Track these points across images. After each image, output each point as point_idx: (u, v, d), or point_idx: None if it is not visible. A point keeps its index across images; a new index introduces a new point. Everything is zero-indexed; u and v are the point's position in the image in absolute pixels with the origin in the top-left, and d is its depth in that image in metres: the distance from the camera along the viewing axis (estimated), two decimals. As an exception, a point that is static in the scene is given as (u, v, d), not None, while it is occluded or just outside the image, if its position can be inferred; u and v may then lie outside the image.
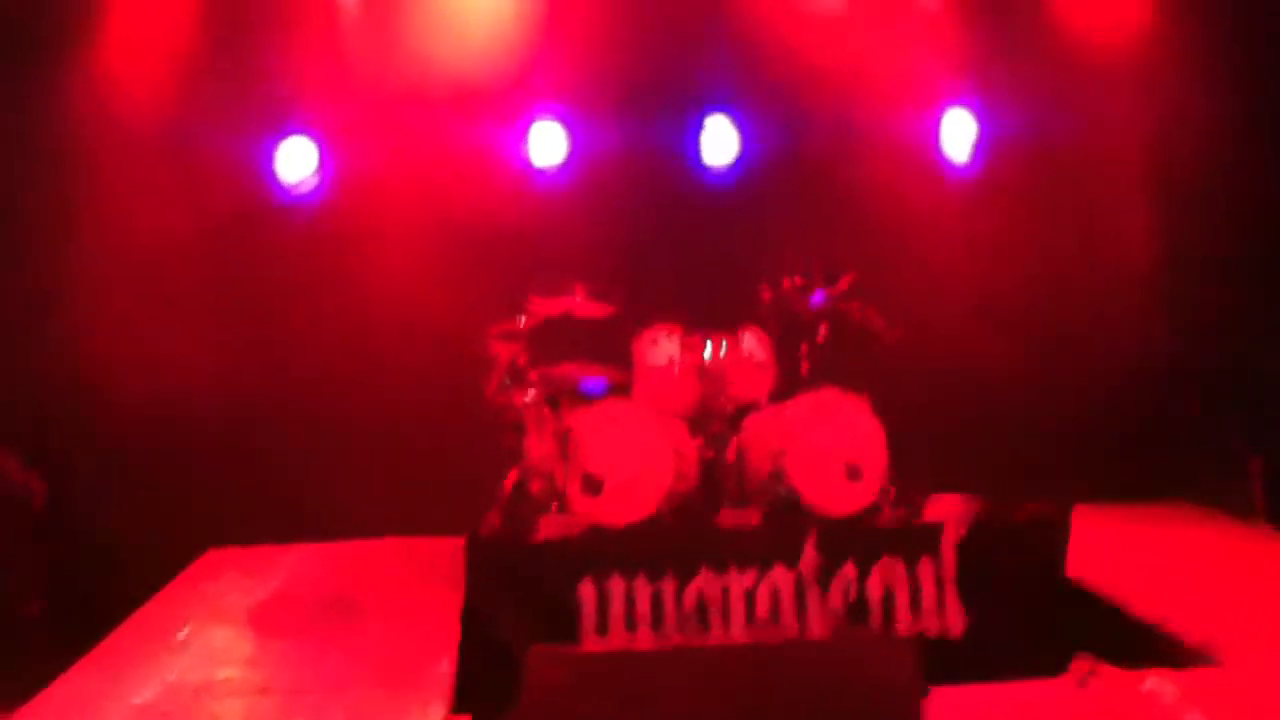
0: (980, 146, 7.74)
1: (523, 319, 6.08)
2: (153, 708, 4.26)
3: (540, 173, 7.53)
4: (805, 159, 7.56)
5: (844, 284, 6.21)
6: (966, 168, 7.80)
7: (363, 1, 7.42)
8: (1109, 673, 3.32)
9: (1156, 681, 3.27)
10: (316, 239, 7.35)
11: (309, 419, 7.05)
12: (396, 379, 7.10)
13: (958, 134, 7.75)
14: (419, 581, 5.72)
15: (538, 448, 5.92)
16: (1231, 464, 7.14)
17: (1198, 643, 4.43)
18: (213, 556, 6.17)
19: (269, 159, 7.37)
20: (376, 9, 7.42)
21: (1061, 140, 7.59)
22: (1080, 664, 3.35)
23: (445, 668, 4.53)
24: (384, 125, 7.41)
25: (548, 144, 7.50)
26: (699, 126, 7.59)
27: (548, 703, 2.59)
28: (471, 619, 5.07)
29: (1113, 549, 5.77)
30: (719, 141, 7.60)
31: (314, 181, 7.44)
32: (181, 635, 5.00)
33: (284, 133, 7.36)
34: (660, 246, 7.31)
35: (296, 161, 7.40)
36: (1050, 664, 4.03)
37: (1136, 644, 4.76)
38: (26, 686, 4.39)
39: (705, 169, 7.64)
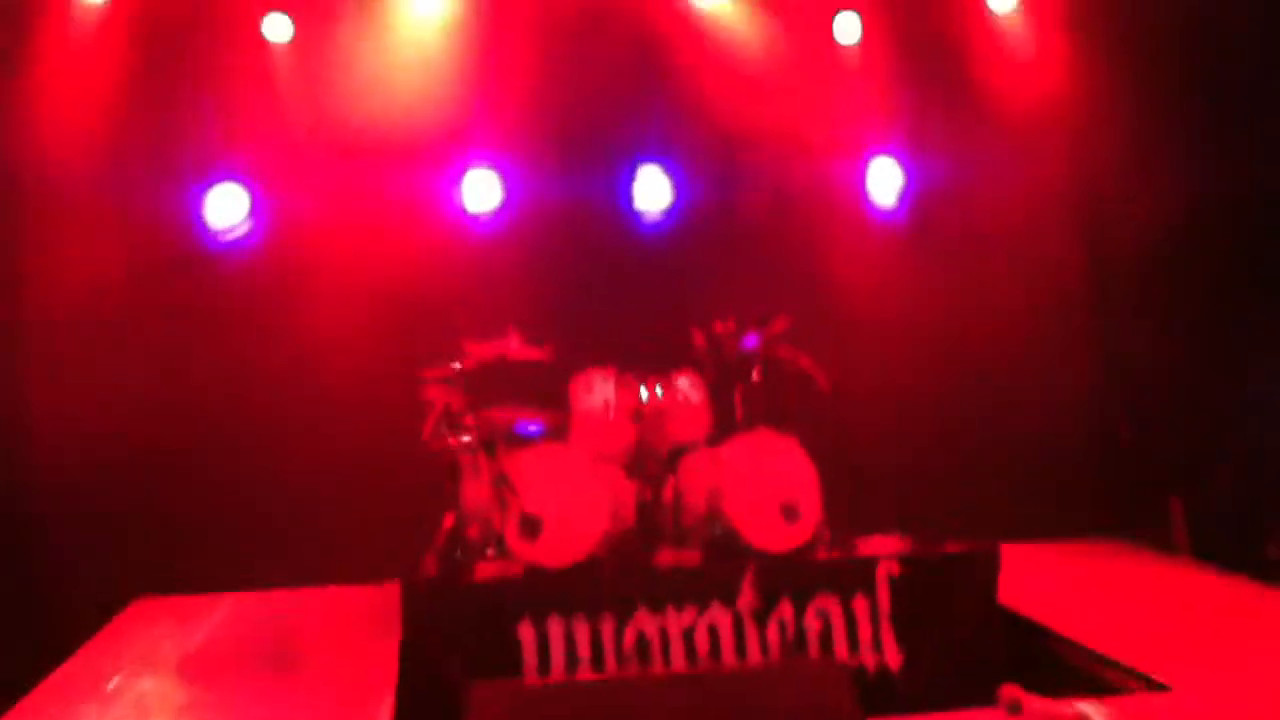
0: (906, 194, 7.97)
1: (458, 364, 6.09)
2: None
3: (475, 219, 7.59)
4: (736, 207, 7.74)
5: (776, 327, 6.33)
6: (893, 214, 8.03)
7: (296, 49, 7.45)
8: (1036, 701, 3.40)
9: (1085, 707, 3.36)
10: (249, 285, 7.31)
11: (242, 466, 6.96)
12: (331, 425, 7.05)
13: (884, 182, 7.98)
14: (355, 629, 5.66)
15: (474, 492, 5.90)
16: (1155, 502, 7.36)
17: (1127, 670, 4.58)
18: (142, 605, 6.03)
19: (200, 205, 7.34)
20: (310, 56, 7.45)
21: (986, 186, 7.86)
22: (1008, 691, 3.43)
23: (385, 713, 4.48)
24: (317, 171, 7.42)
25: (482, 191, 7.57)
26: (632, 175, 7.73)
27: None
28: (410, 662, 5.03)
29: (1042, 583, 5.91)
30: (652, 190, 7.75)
31: (246, 227, 7.41)
32: (111, 685, 4.88)
33: (215, 179, 7.35)
34: (595, 292, 7.38)
35: (227, 207, 7.38)
36: (985, 694, 4.12)
37: (1068, 673, 4.91)
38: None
39: (638, 217, 7.77)
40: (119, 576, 6.35)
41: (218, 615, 5.91)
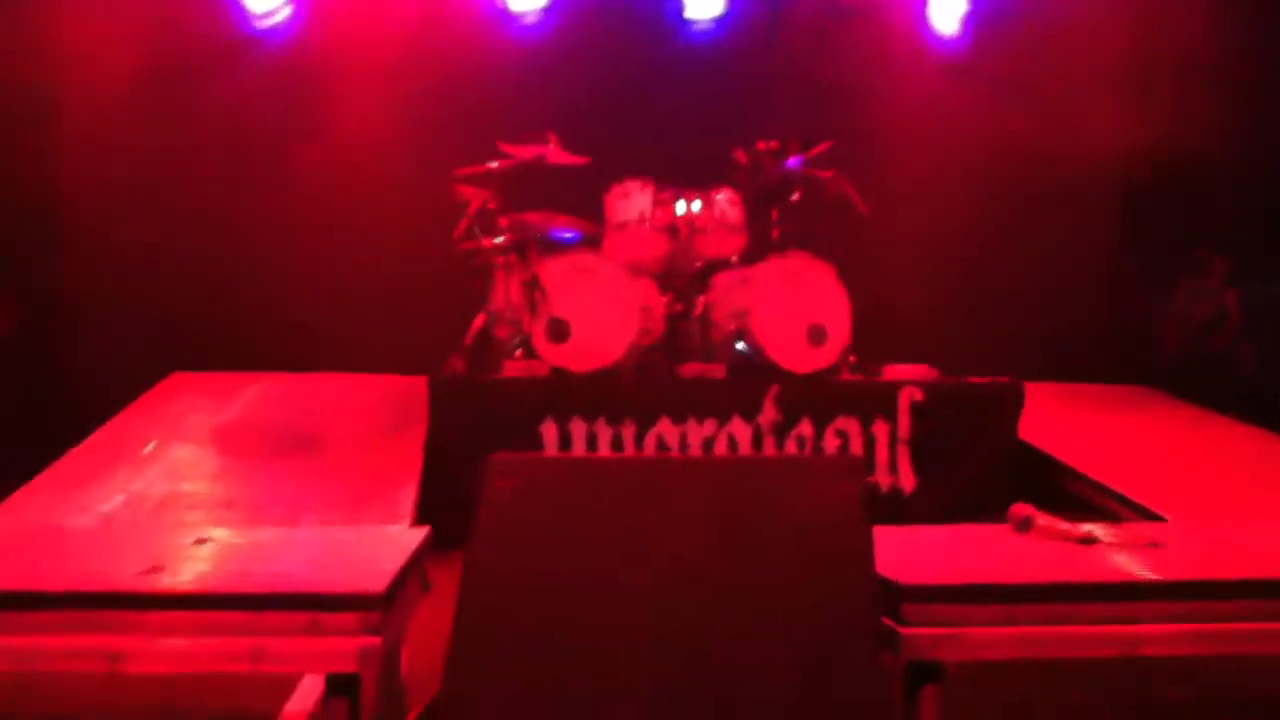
0: (970, 21, 7.67)
1: (494, 164, 6.03)
2: (118, 516, 4.32)
3: (518, 18, 7.38)
4: (791, 22, 7.47)
5: (820, 150, 6.20)
6: (954, 43, 7.74)
7: None
8: (1047, 519, 3.45)
9: (1094, 529, 3.41)
10: (287, 73, 7.23)
11: (277, 253, 7.01)
12: (365, 218, 7.05)
13: (947, 6, 7.66)
14: (383, 417, 5.76)
15: (504, 293, 5.93)
16: (1199, 356, 7.32)
17: (1131, 503, 4.66)
18: (176, 379, 6.17)
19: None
20: None
21: (1056, 24, 7.52)
22: (1018, 509, 3.47)
23: (408, 494, 4.62)
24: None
25: (529, -12, 7.35)
26: (683, -21, 7.47)
27: (505, 506, 2.66)
28: (433, 453, 5.14)
29: (1061, 420, 5.93)
30: (703, -1, 7.49)
31: (285, 11, 7.25)
32: (146, 451, 5.03)
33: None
34: (638, 100, 7.23)
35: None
36: (995, 519, 4.19)
37: (1075, 504, 4.98)
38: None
39: (688, 24, 7.53)
40: (154, 353, 6.48)
41: (250, 393, 6.03)
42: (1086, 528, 3.42)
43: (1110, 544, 3.31)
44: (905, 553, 3.01)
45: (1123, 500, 4.79)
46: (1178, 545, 3.33)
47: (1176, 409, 6.62)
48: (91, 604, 2.47)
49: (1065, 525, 3.43)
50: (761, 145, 6.25)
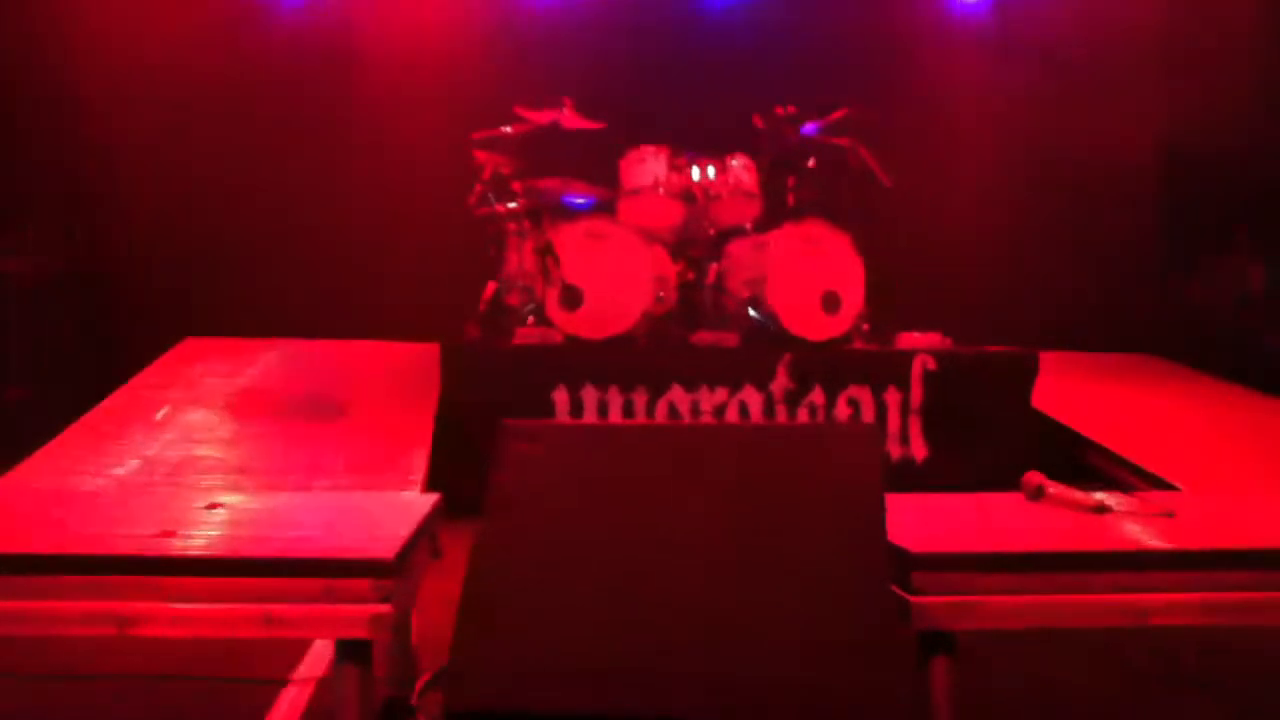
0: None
1: (509, 128, 5.99)
2: (133, 480, 4.35)
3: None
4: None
5: (837, 117, 6.14)
6: (977, 9, 7.65)
7: None
8: (1059, 488, 3.43)
9: (1106, 498, 3.39)
10: (304, 40, 7.21)
11: (292, 219, 7.02)
12: (381, 184, 7.05)
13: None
14: (395, 383, 5.78)
15: (517, 260, 5.90)
16: (1207, 323, 7.25)
17: (1143, 472, 4.64)
18: (191, 345, 6.19)
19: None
20: None
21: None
22: (1031, 477, 3.46)
23: (419, 459, 4.63)
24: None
25: (545, -49, 7.28)
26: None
27: (518, 472, 2.66)
28: (446, 421, 5.15)
29: (1073, 389, 5.90)
30: (722, -38, 7.42)
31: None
32: (160, 415, 5.06)
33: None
34: (654, 65, 7.18)
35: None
36: (1008, 488, 4.17)
37: (1088, 474, 4.97)
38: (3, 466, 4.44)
39: (708, -12, 7.47)
40: (169, 318, 6.51)
41: (264, 358, 6.05)
42: (1099, 496, 3.40)
43: (1122, 513, 3.29)
44: (916, 521, 2.99)
45: (1136, 470, 4.78)
46: (1190, 514, 3.31)
47: (1190, 378, 6.58)
48: (103, 568, 2.48)
49: (1078, 494, 3.41)
50: (779, 111, 6.19)
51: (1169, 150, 7.50)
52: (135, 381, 5.54)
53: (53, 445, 4.68)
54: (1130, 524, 3.17)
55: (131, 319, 6.66)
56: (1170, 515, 3.25)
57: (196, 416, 5.07)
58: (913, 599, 2.77)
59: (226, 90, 7.06)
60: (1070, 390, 5.86)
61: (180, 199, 6.98)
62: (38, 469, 4.48)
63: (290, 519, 2.98)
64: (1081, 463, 5.21)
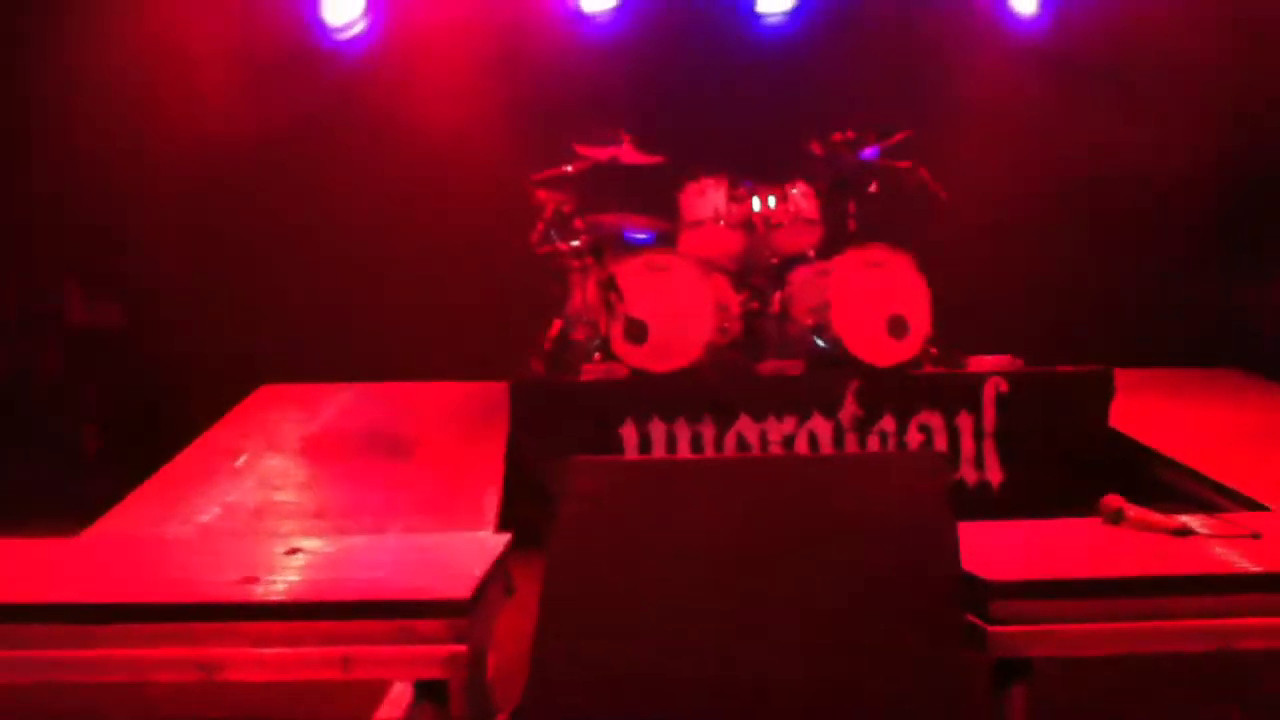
0: (1049, 4, 7.50)
1: (569, 167, 6.06)
2: (215, 526, 4.45)
3: (591, 19, 7.42)
4: (864, 9, 7.39)
5: (897, 139, 6.13)
6: (1034, 26, 7.58)
7: None
8: (1139, 511, 3.36)
9: (1189, 520, 3.32)
10: (364, 83, 7.36)
11: (356, 263, 7.16)
12: (444, 226, 7.16)
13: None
14: (465, 422, 5.84)
15: (581, 296, 5.96)
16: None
17: (1230, 491, 4.51)
18: (266, 392, 6.33)
19: (315, 3, 7.34)
20: None
21: (1130, 5, 7.31)
22: (1110, 501, 3.39)
23: (491, 498, 4.68)
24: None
25: (599, -11, 7.38)
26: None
27: (586, 508, 2.68)
28: (516, 458, 5.20)
29: (1152, 406, 5.78)
30: (776, -9, 7.46)
31: (362, 24, 7.40)
32: (239, 463, 5.18)
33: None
34: (710, 96, 7.22)
35: (342, 5, 7.37)
36: (1087, 511, 4.10)
37: (1172, 494, 4.85)
38: (84, 523, 4.52)
39: (760, 17, 7.49)
40: (244, 366, 6.65)
41: (337, 403, 6.17)
42: (1182, 519, 3.33)
43: (1206, 535, 3.22)
44: (992, 548, 2.96)
45: (1221, 489, 4.65)
46: (1277, 536, 3.22)
47: (1271, 392, 6.40)
48: (189, 615, 2.55)
49: (1159, 516, 3.34)
50: (837, 137, 6.19)
51: (1234, 158, 7.34)
52: (214, 430, 5.68)
53: (138, 494, 4.81)
54: (1214, 546, 3.10)
55: (207, 368, 6.81)
56: (1257, 536, 3.17)
57: (274, 462, 5.18)
58: (990, 627, 2.74)
59: (291, 135, 7.18)
60: (1149, 408, 5.74)
61: (246, 247, 7.13)
62: (124, 517, 4.60)
63: (367, 561, 3.03)
64: (1163, 483, 5.08)
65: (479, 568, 2.81)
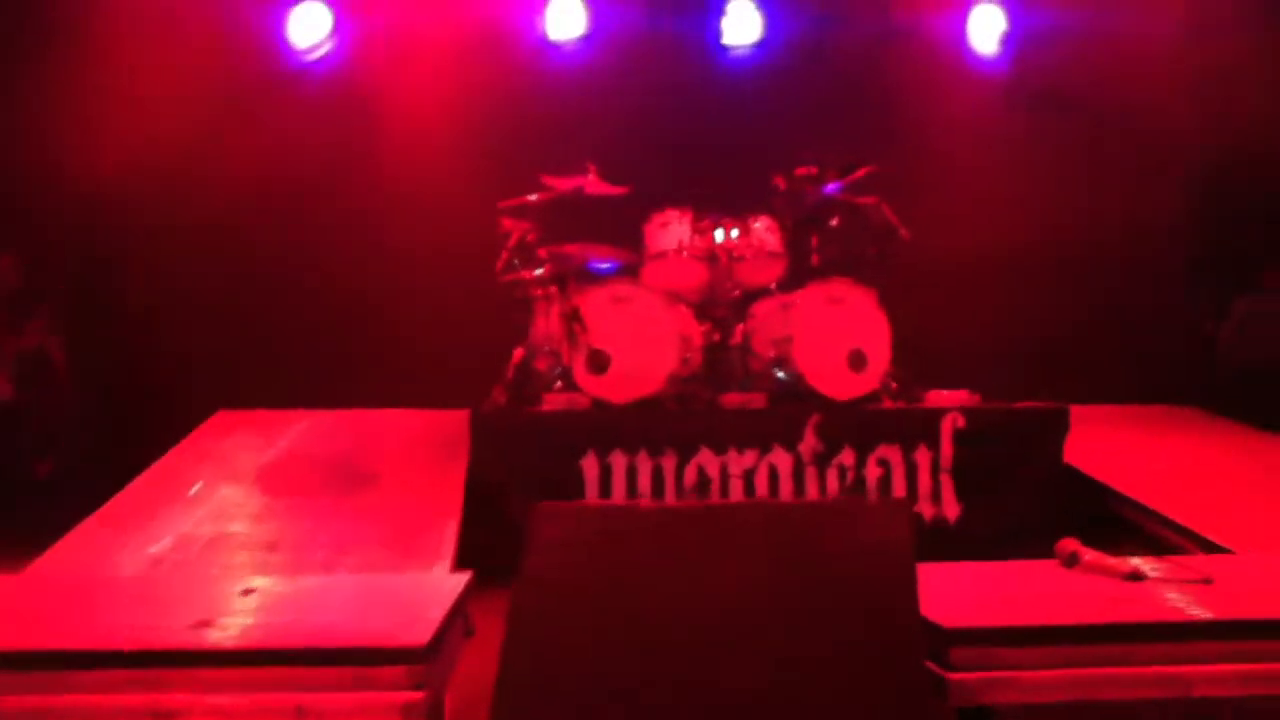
0: (1009, 42, 7.61)
1: (534, 196, 6.06)
2: (166, 558, 4.36)
3: (557, 48, 7.43)
4: (828, 47, 7.46)
5: (859, 175, 6.17)
6: (994, 64, 7.68)
7: None
8: (1093, 555, 3.40)
9: (1141, 564, 3.36)
10: (328, 107, 7.31)
11: (319, 290, 7.11)
12: (406, 253, 7.11)
13: (986, 28, 7.62)
14: (425, 452, 5.79)
15: (544, 325, 5.94)
16: (1245, 372, 7.18)
17: (1189, 532, 4.56)
18: (223, 418, 6.25)
19: (282, 24, 7.30)
20: None
21: (1096, 40, 7.43)
22: (1065, 545, 3.43)
23: (450, 531, 4.64)
24: (399, -7, 7.32)
25: (566, 18, 7.38)
26: (721, 7, 7.46)
27: (551, 555, 2.66)
28: (475, 488, 5.16)
29: (1108, 444, 5.83)
30: (741, 23, 7.49)
31: (327, 48, 7.36)
32: (193, 491, 5.10)
33: (298, -1, 7.29)
34: (676, 129, 7.23)
35: (309, 27, 7.34)
36: (1043, 551, 4.13)
37: (1130, 533, 4.90)
38: (33, 548, 4.44)
39: (725, 51, 7.54)
40: (201, 392, 6.57)
41: (294, 430, 6.09)
42: (1134, 562, 3.37)
43: (1158, 579, 3.26)
44: (950, 592, 2.97)
45: (1179, 529, 4.69)
46: (1230, 580, 3.26)
47: (1228, 430, 6.49)
48: (142, 662, 2.50)
49: (1112, 560, 3.39)
50: (800, 171, 6.24)
51: (1198, 196, 7.46)
52: (169, 456, 5.59)
53: (89, 522, 4.72)
54: (1166, 592, 3.13)
55: (163, 392, 6.72)
56: (1208, 581, 3.21)
57: (229, 492, 5.10)
58: (949, 675, 2.75)
59: (251, 163, 7.10)
60: (1109, 444, 5.80)
61: (207, 273, 7.07)
62: (74, 546, 4.51)
63: (322, 603, 2.99)
64: (1124, 519, 5.14)
65: (437, 611, 2.78)
